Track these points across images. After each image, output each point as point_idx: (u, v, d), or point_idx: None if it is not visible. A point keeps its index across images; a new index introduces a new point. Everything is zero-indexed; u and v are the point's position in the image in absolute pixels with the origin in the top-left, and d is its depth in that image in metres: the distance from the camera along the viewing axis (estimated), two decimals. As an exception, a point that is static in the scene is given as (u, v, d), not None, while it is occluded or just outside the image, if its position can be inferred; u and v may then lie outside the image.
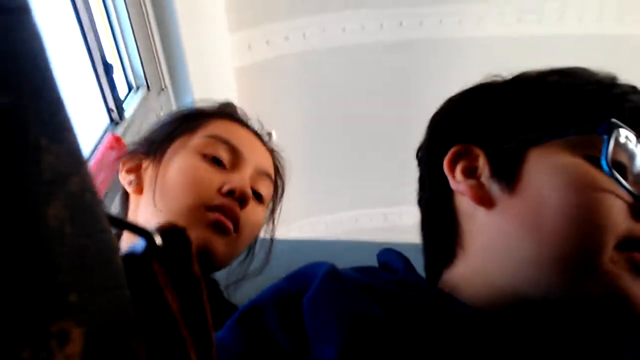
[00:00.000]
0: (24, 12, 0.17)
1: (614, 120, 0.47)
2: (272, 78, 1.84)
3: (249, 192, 0.77)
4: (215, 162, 0.78)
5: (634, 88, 0.52)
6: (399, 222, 2.30)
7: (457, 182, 0.54)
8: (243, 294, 0.84)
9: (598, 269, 0.44)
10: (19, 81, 0.16)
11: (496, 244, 0.51)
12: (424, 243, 0.61)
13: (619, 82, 0.53)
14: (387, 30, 1.80)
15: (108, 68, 1.17)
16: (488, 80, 0.59)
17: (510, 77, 0.58)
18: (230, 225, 0.74)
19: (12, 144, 0.16)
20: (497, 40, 1.83)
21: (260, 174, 0.82)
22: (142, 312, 0.20)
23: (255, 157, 0.82)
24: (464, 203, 0.54)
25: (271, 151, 0.89)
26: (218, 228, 0.74)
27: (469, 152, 0.54)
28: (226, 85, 1.68)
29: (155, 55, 1.38)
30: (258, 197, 0.82)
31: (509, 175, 0.51)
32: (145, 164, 0.82)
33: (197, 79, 1.48)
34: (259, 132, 0.89)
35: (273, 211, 0.91)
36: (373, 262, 0.67)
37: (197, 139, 0.79)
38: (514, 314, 0.48)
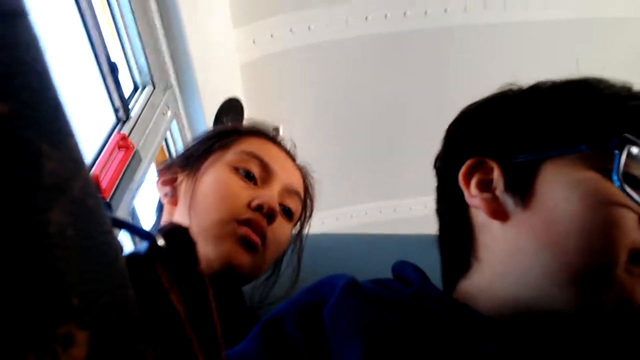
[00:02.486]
0: (21, 16, 0.17)
1: (626, 135, 0.47)
2: (278, 72, 1.84)
3: (277, 207, 0.78)
4: (247, 177, 0.80)
5: None
6: (409, 215, 2.30)
7: (472, 195, 0.55)
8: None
9: (613, 281, 0.45)
10: (17, 87, 0.16)
11: (511, 257, 0.51)
12: (440, 252, 0.62)
13: (635, 92, 0.53)
14: (391, 21, 1.79)
15: (113, 67, 1.17)
16: (502, 90, 0.60)
17: (524, 87, 0.59)
18: (257, 240, 0.75)
19: (13, 151, 0.16)
20: (498, 27, 1.82)
21: (290, 191, 0.84)
22: (148, 313, 0.21)
23: (286, 175, 0.84)
24: (480, 215, 0.55)
25: (302, 171, 0.91)
26: (245, 243, 0.75)
27: (484, 165, 0.55)
28: (232, 81, 1.68)
29: (161, 53, 1.38)
30: (287, 213, 0.84)
31: (522, 189, 0.51)
32: (180, 177, 0.84)
33: (202, 76, 1.48)
34: (291, 152, 0.91)
35: (301, 230, 0.92)
36: (388, 254, 0.67)
37: (231, 155, 0.81)
38: (529, 325, 0.49)
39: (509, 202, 0.52)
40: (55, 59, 1.01)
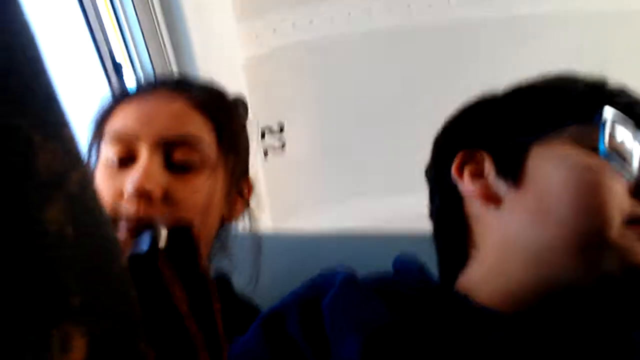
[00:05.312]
0: (11, 2, 0.17)
1: (608, 108, 0.50)
2: (280, 67, 1.83)
3: (146, 186, 0.64)
4: (122, 163, 0.68)
5: (622, 88, 0.55)
6: (415, 211, 2.28)
7: (466, 185, 0.56)
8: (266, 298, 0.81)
9: (610, 243, 0.46)
10: (7, 74, 0.15)
11: (510, 240, 0.52)
12: (437, 251, 0.63)
13: (608, 84, 0.56)
14: (395, 15, 1.78)
15: (117, 67, 1.17)
16: (484, 95, 0.62)
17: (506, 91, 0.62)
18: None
19: (2, 142, 0.15)
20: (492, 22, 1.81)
21: (171, 141, 0.68)
22: (150, 312, 0.20)
23: (153, 130, 0.69)
24: (474, 207, 0.56)
25: (195, 100, 0.73)
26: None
27: (474, 156, 0.57)
28: (235, 77, 1.67)
29: (164, 52, 1.38)
30: (182, 167, 0.68)
31: (514, 172, 0.53)
32: None
33: (206, 73, 1.48)
34: (177, 83, 0.76)
35: (236, 171, 0.75)
36: (379, 255, 0.67)
37: (103, 149, 0.70)
38: (532, 312, 0.49)
39: (501, 186, 0.54)
40: (60, 60, 1.01)
